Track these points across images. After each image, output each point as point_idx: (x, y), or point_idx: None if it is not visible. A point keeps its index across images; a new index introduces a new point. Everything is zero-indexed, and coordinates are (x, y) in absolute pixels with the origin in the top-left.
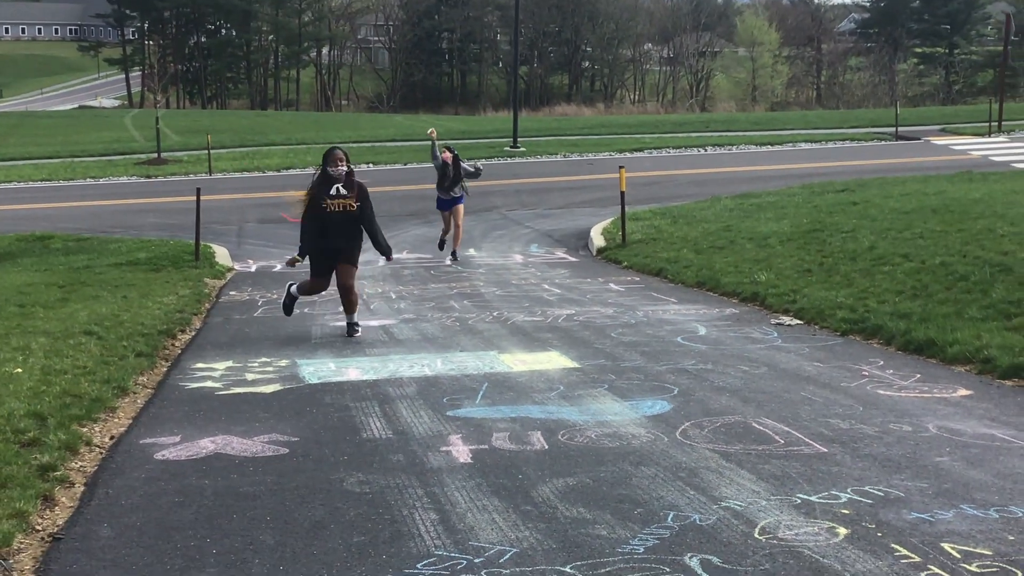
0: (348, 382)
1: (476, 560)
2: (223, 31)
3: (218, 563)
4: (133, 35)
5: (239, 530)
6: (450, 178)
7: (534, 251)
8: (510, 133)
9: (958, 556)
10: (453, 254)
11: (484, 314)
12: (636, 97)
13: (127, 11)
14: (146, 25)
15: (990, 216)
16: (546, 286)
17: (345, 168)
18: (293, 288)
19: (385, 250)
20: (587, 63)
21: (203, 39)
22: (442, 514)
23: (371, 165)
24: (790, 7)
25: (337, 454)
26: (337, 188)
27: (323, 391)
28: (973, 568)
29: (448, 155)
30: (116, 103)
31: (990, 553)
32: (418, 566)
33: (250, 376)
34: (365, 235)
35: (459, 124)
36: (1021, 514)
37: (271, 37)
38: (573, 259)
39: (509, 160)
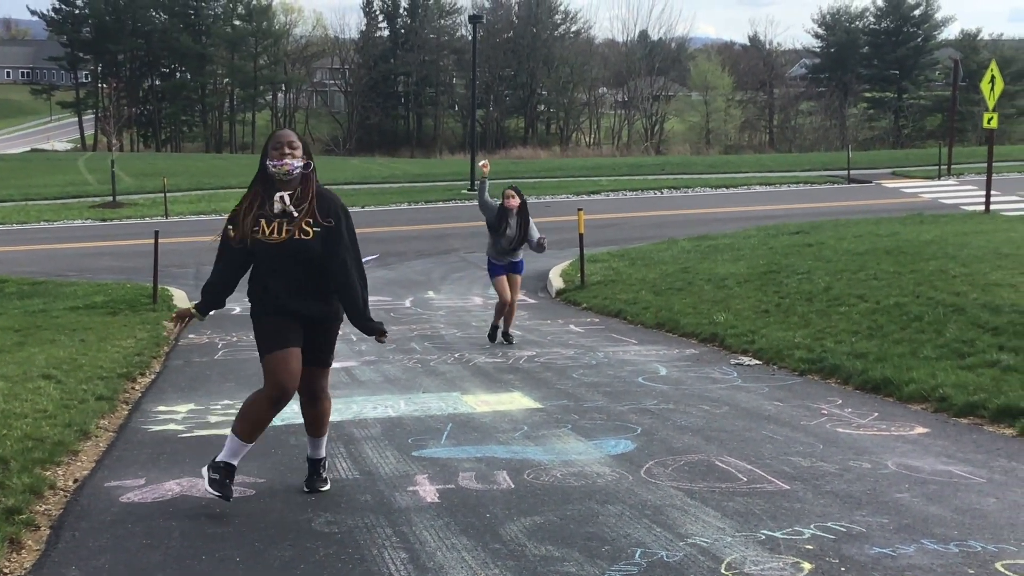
0: None
1: None
2: (178, 74)
3: None
4: (86, 78)
5: (209, 571)
6: (510, 236)
7: (493, 294)
8: (467, 176)
9: None
10: (506, 335)
11: (446, 356)
12: (591, 140)
13: (80, 54)
14: (100, 68)
15: (942, 257)
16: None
17: (299, 163)
18: (226, 445)
19: (365, 321)
20: (542, 106)
21: (158, 82)
22: (411, 553)
23: None
24: (742, 52)
25: (305, 496)
26: (282, 199)
27: (287, 432)
28: None
29: (514, 201)
30: (69, 146)
31: None
32: None
33: (213, 419)
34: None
35: (415, 167)
36: (980, 548)
37: (226, 81)
38: (532, 301)
39: (467, 203)
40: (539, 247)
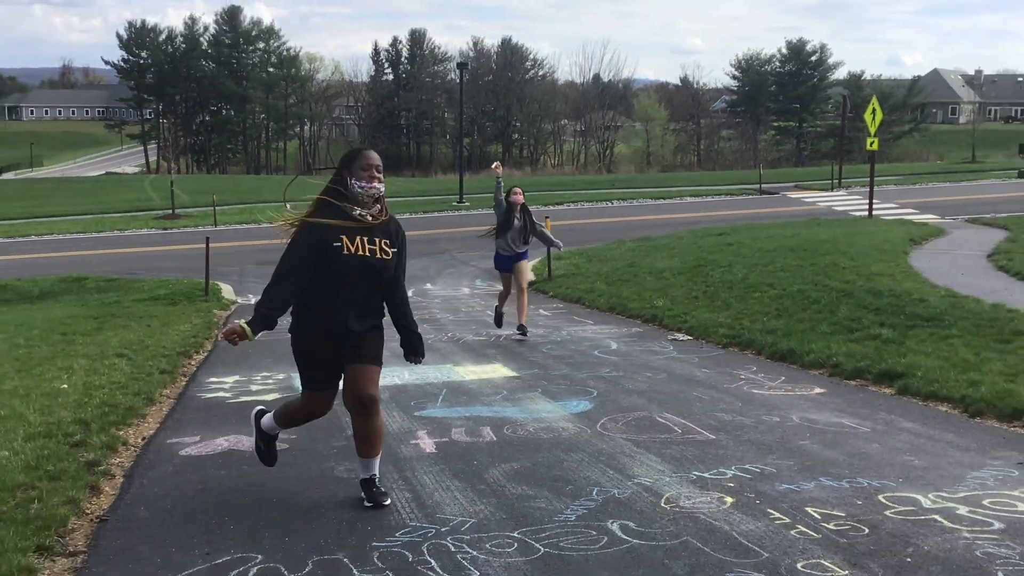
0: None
1: (443, 529)
2: (223, 111)
3: (236, 536)
4: (150, 115)
5: (251, 511)
6: (516, 228)
7: (479, 285)
8: (457, 191)
9: (819, 517)
10: (521, 328)
11: (441, 335)
12: (556, 161)
13: (145, 96)
14: (160, 107)
15: (835, 253)
16: (489, 312)
17: (383, 186)
18: (266, 419)
19: (418, 343)
20: (516, 135)
21: (207, 118)
22: (415, 493)
23: None
24: (675, 90)
25: (327, 448)
26: (363, 216)
27: None
28: (831, 527)
29: (520, 196)
30: (136, 170)
31: (843, 515)
32: (397, 535)
33: (254, 387)
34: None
35: (415, 184)
36: (866, 484)
37: (263, 116)
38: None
39: (457, 213)
40: (555, 244)
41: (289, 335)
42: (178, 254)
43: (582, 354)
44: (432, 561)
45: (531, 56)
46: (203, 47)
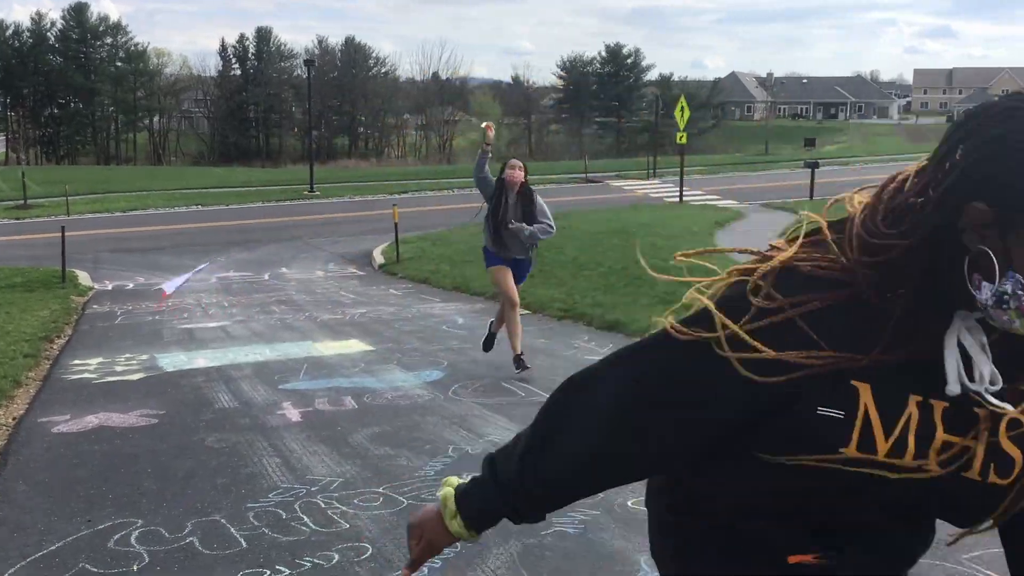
0: (198, 368)
1: (313, 488)
2: (72, 104)
3: (114, 505)
4: None
5: (127, 481)
6: (509, 211)
7: (331, 268)
8: (307, 181)
9: None
10: (518, 360)
11: (298, 315)
12: (399, 153)
13: None
14: (8, 100)
15: (653, 235)
16: (343, 293)
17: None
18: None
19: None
20: (362, 128)
21: (56, 111)
22: (284, 458)
23: (200, 206)
24: (508, 88)
25: (197, 421)
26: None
27: (179, 376)
28: None
29: (518, 174)
30: None
31: None
32: (270, 496)
33: (118, 368)
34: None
35: (265, 174)
36: None
37: (112, 109)
38: (361, 273)
39: (308, 201)
40: (530, 237)
41: None
42: (32, 243)
43: (431, 329)
44: (305, 517)
45: (374, 55)
46: (50, 42)
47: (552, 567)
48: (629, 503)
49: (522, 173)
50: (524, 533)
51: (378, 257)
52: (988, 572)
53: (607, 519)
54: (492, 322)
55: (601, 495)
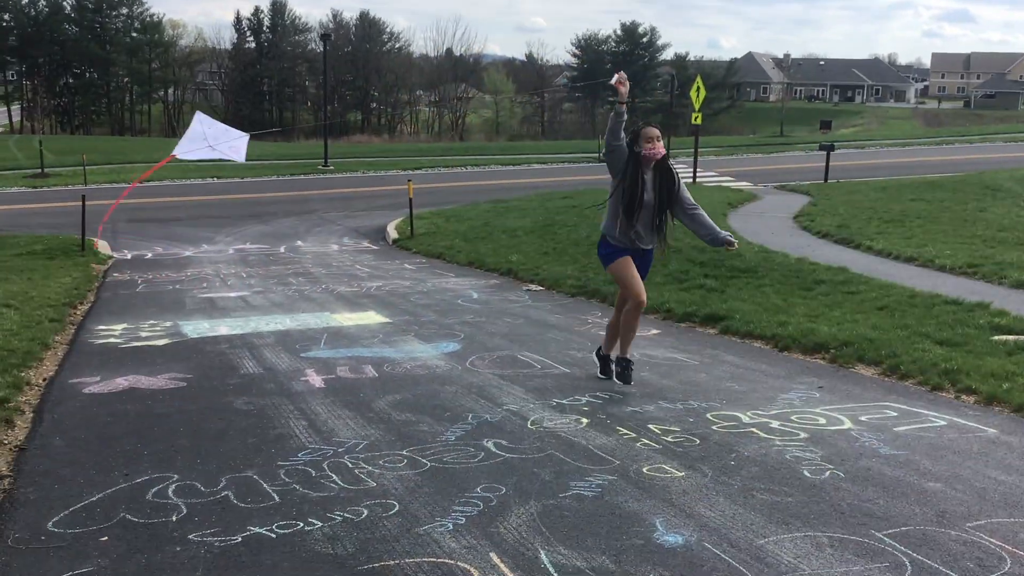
0: (221, 335)
1: (339, 450)
2: (87, 74)
3: (150, 460)
4: (13, 76)
5: (161, 438)
6: (647, 203)
7: (346, 242)
8: (321, 155)
9: (659, 432)
10: (623, 365)
11: (315, 287)
12: (412, 130)
13: (8, 58)
14: (24, 68)
15: None
16: (358, 267)
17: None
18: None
19: None
20: (375, 104)
21: (71, 80)
22: (310, 421)
23: (215, 179)
24: (521, 66)
25: (224, 385)
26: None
27: (203, 343)
28: (669, 439)
29: (659, 147)
30: (1, 130)
31: (679, 429)
32: (299, 455)
33: (143, 334)
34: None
35: (279, 148)
36: (696, 405)
37: (127, 80)
38: (375, 247)
39: (322, 176)
40: (726, 243)
41: None
42: (51, 211)
43: (447, 303)
44: (333, 475)
45: (388, 29)
46: (66, 11)
47: (571, 525)
48: (644, 469)
49: (662, 147)
50: (543, 494)
51: (392, 232)
52: (991, 540)
53: (623, 483)
54: (600, 348)
55: (617, 460)
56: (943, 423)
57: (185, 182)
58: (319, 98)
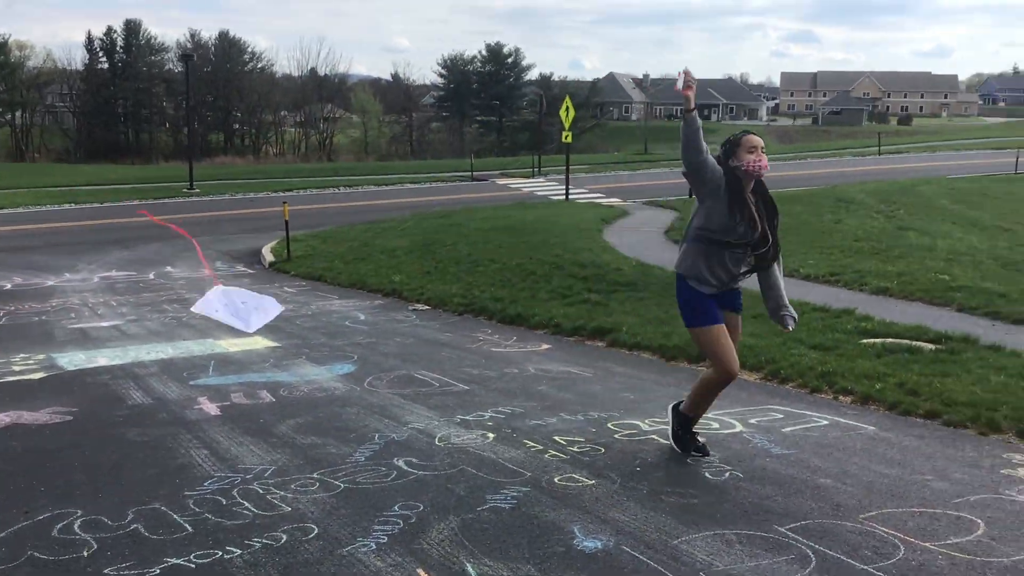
0: (101, 367)
1: (247, 476)
2: None
3: (49, 496)
4: None
5: (57, 474)
6: (742, 233)
7: (219, 266)
8: (185, 178)
9: (565, 443)
10: (693, 442)
11: (193, 313)
12: (277, 151)
13: None
14: None
15: (543, 232)
16: None
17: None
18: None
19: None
20: (237, 125)
21: None
22: (211, 449)
23: (72, 204)
24: (387, 86)
25: (113, 417)
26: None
27: (82, 375)
28: (575, 449)
29: (764, 157)
30: None
31: (583, 440)
32: (206, 484)
33: (16, 368)
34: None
35: (138, 172)
36: (597, 416)
37: None
38: (251, 271)
39: (189, 199)
40: (783, 322)
41: None
42: None
43: (335, 325)
44: (245, 502)
45: (249, 49)
46: None
47: (492, 537)
48: (556, 479)
49: (765, 162)
50: (461, 509)
51: (268, 255)
52: (884, 529)
53: (537, 493)
54: (689, 402)
55: (529, 472)
56: (826, 422)
57: (39, 208)
58: (177, 119)
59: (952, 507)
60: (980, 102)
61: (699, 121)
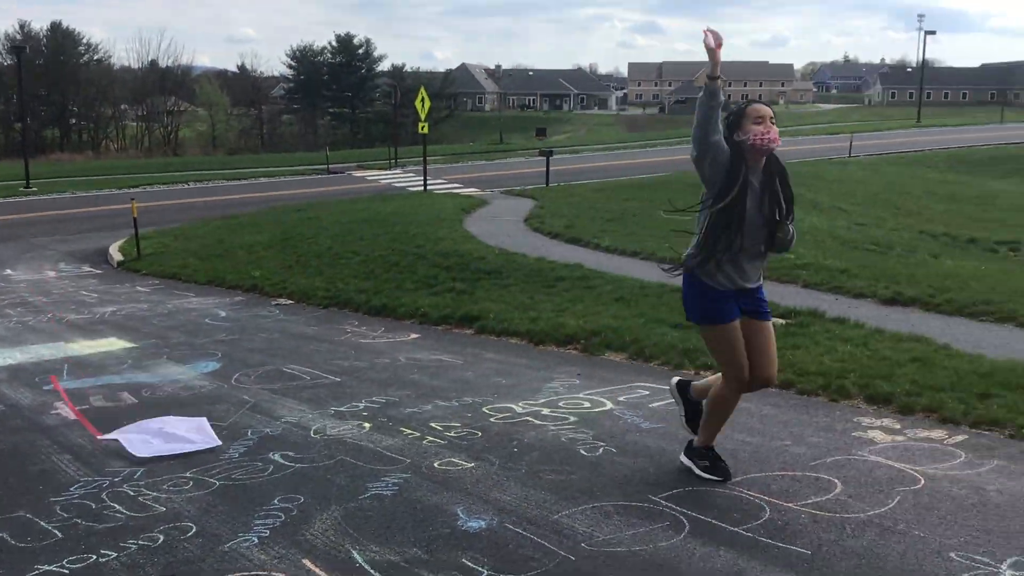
0: None
1: (116, 479)
2: None
3: None
4: None
5: None
6: (754, 220)
7: (64, 268)
8: (20, 176)
9: (441, 429)
10: (711, 458)
11: (40, 316)
12: (119, 146)
13: None
14: None
15: (404, 223)
16: (84, 292)
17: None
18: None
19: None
20: (74, 120)
21: None
22: (74, 454)
23: None
24: (234, 78)
25: None
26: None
27: None
28: (452, 434)
29: (774, 129)
30: None
31: (459, 425)
32: (72, 489)
33: None
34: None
35: None
36: (471, 401)
37: None
38: (99, 271)
39: (26, 198)
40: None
41: None
42: None
43: (194, 323)
44: (116, 505)
45: (84, 40)
46: None
47: (377, 524)
48: (436, 464)
49: (775, 134)
50: (342, 498)
51: (116, 254)
52: (750, 493)
53: (418, 479)
54: (706, 417)
55: (408, 459)
56: None
57: None
58: (8, 114)
59: (811, 469)
60: (815, 89)
61: (722, 96)
